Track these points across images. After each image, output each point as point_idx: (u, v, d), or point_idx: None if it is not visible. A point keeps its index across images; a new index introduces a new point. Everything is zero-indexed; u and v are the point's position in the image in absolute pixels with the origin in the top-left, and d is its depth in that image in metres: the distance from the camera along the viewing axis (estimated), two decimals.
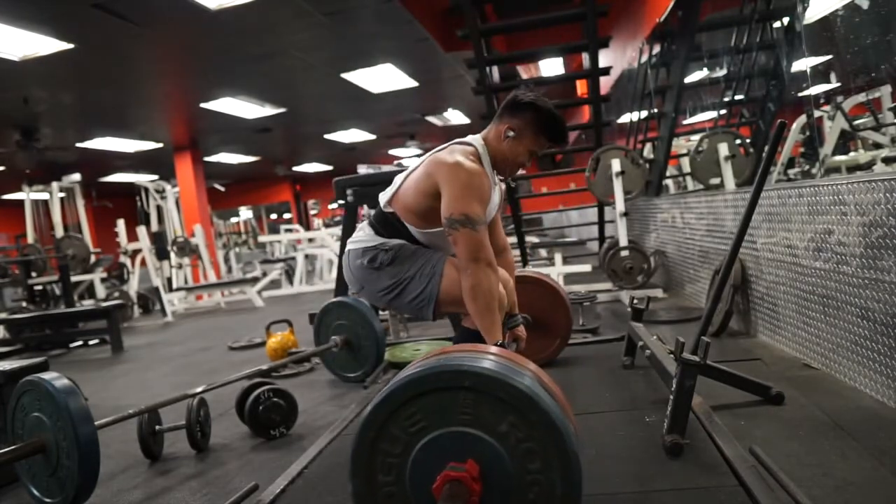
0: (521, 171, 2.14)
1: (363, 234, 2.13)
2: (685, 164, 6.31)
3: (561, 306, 3.01)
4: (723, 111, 5.80)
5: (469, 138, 2.07)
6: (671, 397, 1.90)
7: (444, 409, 1.22)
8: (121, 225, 9.27)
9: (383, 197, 2.12)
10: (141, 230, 8.51)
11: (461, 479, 1.17)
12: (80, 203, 9.18)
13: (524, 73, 9.06)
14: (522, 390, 1.17)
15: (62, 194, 9.03)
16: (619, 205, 4.86)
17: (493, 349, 1.35)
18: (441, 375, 1.22)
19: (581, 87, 9.43)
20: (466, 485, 1.16)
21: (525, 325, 2.23)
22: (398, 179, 2.10)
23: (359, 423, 1.26)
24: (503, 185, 2.29)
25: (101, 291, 8.59)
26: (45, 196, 9.05)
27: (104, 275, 9.27)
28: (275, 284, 9.66)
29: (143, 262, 8.58)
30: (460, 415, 1.21)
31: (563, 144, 2.13)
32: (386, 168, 6.08)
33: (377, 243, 2.07)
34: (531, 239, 9.58)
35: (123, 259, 9.40)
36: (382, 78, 7.89)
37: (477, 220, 1.86)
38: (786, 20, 5.00)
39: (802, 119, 6.09)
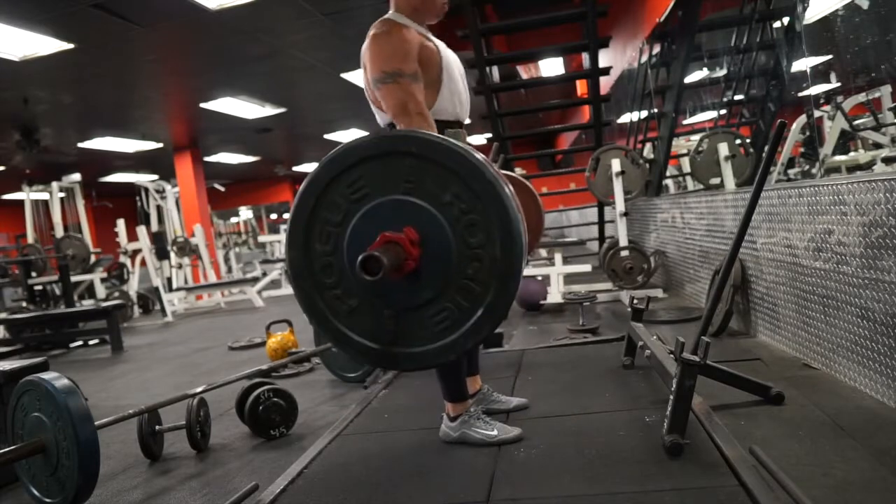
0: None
1: None
2: (685, 164, 6.30)
3: (532, 203, 2.94)
4: (723, 111, 5.79)
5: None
6: (671, 397, 1.90)
7: (388, 177, 1.16)
8: (121, 225, 9.27)
9: (383, 120, 2.04)
10: (141, 230, 8.50)
11: (399, 241, 1.13)
12: (80, 203, 9.18)
13: (524, 72, 9.06)
14: (468, 158, 1.11)
15: (62, 194, 9.03)
16: (619, 205, 4.86)
17: None
18: (384, 140, 1.17)
19: (581, 87, 9.43)
20: (404, 247, 1.12)
21: None
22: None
23: (302, 185, 1.19)
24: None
25: (101, 291, 8.59)
26: (45, 196, 9.05)
27: (104, 275, 9.27)
28: (275, 284, 9.65)
29: (143, 262, 8.58)
30: (404, 183, 1.15)
31: None
32: None
33: None
34: None
35: (123, 259, 9.40)
36: None
37: (396, 73, 1.76)
38: (786, 20, 4.99)
39: (802, 119, 6.09)
